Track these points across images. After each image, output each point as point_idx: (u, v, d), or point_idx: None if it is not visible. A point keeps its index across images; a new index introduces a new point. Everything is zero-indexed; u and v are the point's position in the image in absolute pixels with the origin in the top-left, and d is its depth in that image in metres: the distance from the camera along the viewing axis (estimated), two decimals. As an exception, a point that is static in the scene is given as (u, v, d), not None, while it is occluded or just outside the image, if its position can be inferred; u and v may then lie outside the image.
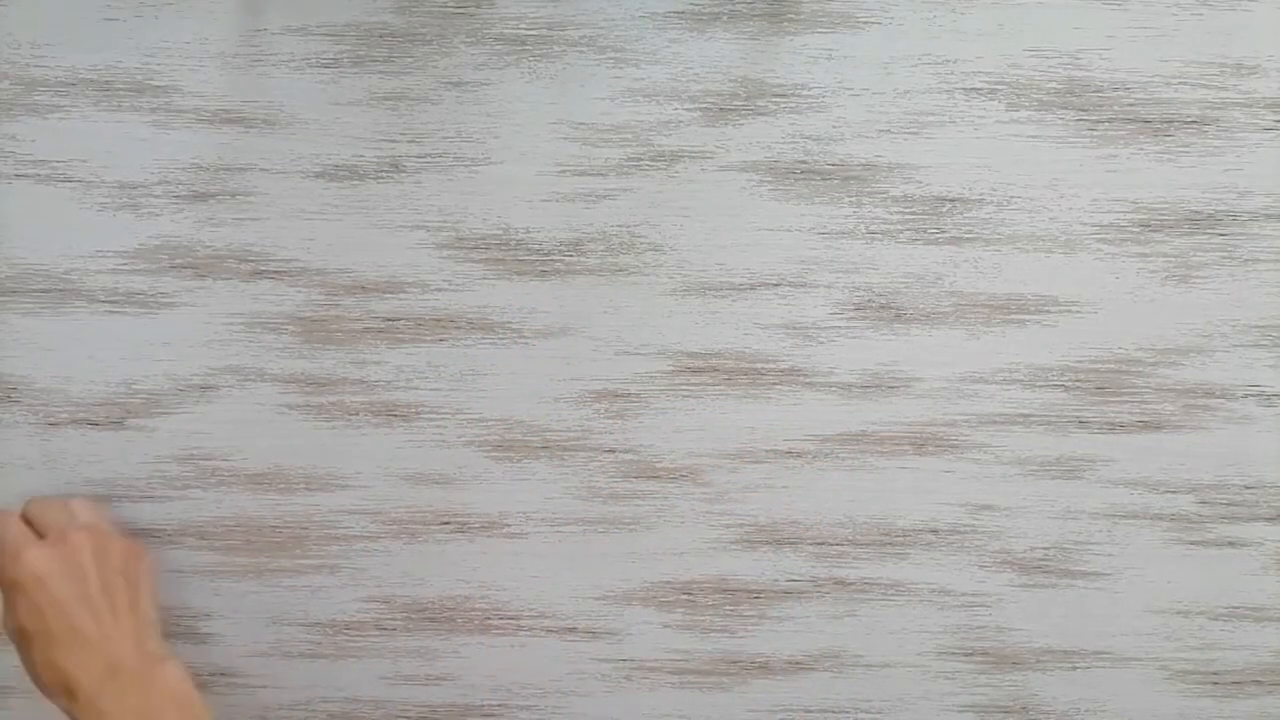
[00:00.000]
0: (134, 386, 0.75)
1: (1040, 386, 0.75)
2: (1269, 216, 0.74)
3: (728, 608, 0.76)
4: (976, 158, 0.74)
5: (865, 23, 0.74)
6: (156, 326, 0.75)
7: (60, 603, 0.62)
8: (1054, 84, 0.74)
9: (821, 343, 0.75)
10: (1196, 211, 0.74)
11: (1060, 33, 0.73)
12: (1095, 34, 0.73)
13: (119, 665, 0.61)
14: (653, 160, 0.74)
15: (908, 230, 0.74)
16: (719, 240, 0.74)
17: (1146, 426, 0.75)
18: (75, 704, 0.60)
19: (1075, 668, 0.77)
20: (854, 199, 0.74)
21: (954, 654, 0.77)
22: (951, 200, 0.74)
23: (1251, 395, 0.75)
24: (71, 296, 0.74)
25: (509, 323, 0.75)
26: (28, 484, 0.75)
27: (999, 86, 0.74)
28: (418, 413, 0.75)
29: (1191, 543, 0.76)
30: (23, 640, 0.62)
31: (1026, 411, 0.75)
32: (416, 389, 0.75)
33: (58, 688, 0.61)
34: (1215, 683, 0.77)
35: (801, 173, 0.74)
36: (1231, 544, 0.76)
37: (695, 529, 0.75)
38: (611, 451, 0.75)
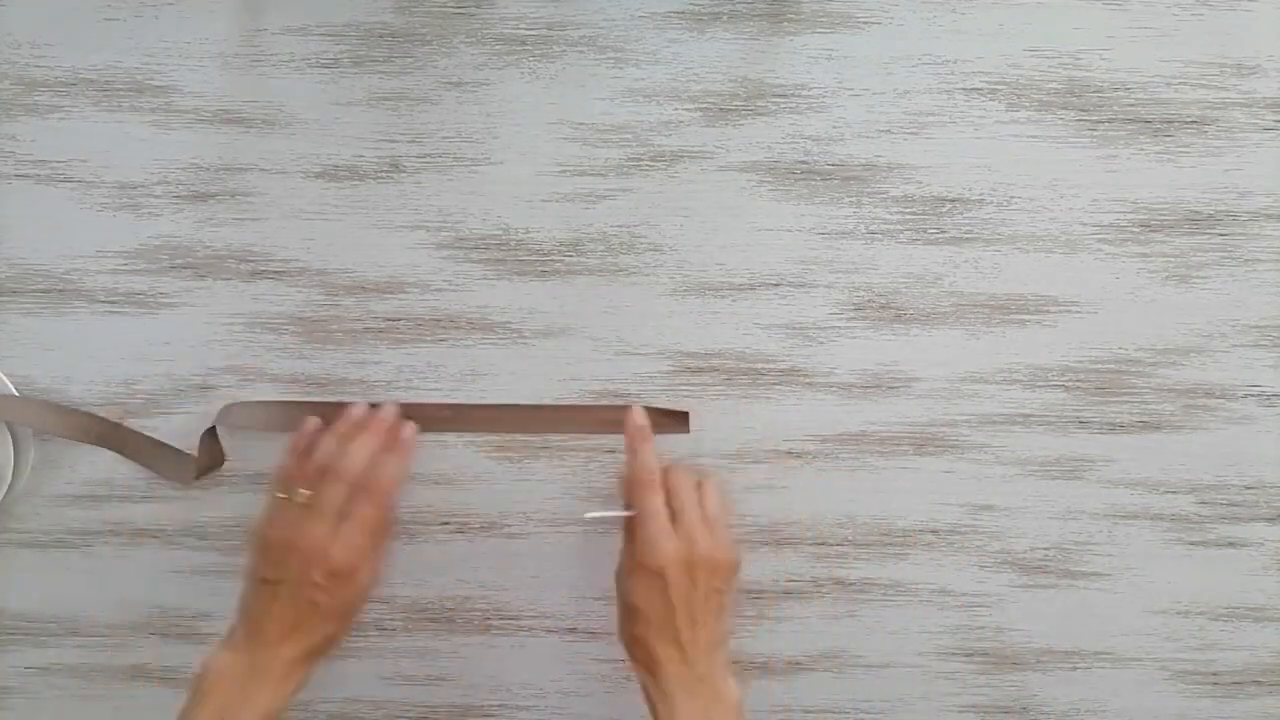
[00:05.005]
0: (134, 386, 0.75)
1: (1040, 386, 0.75)
2: (1269, 216, 0.74)
3: (728, 608, 0.76)
4: (976, 158, 0.74)
5: (865, 23, 0.74)
6: (156, 326, 0.75)
7: (672, 599, 0.66)
8: (1054, 84, 0.74)
9: (821, 343, 0.75)
10: (1196, 211, 0.74)
11: (1060, 33, 0.73)
12: (1095, 34, 0.73)
13: (694, 665, 0.66)
14: (653, 160, 0.74)
15: (908, 230, 0.74)
16: (719, 240, 0.74)
17: (1146, 426, 0.75)
18: (653, 681, 0.65)
19: (1075, 668, 0.77)
20: (854, 199, 0.74)
21: (954, 654, 0.77)
22: (951, 200, 0.74)
23: (1251, 395, 0.75)
24: (71, 296, 0.74)
25: (509, 323, 0.75)
26: (28, 484, 0.75)
27: (999, 86, 0.74)
28: (418, 413, 0.75)
29: (1191, 543, 0.76)
30: (629, 612, 0.67)
31: (1026, 411, 0.75)
32: (416, 389, 0.75)
33: (642, 661, 0.66)
34: (1215, 683, 0.77)
35: (801, 173, 0.74)
36: (1231, 544, 0.76)
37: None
38: (611, 451, 0.75)
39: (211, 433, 0.74)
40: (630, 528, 0.68)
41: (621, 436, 0.72)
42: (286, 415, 0.74)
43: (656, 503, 0.67)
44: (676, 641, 0.65)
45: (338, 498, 0.67)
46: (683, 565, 0.66)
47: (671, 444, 0.75)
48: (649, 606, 0.65)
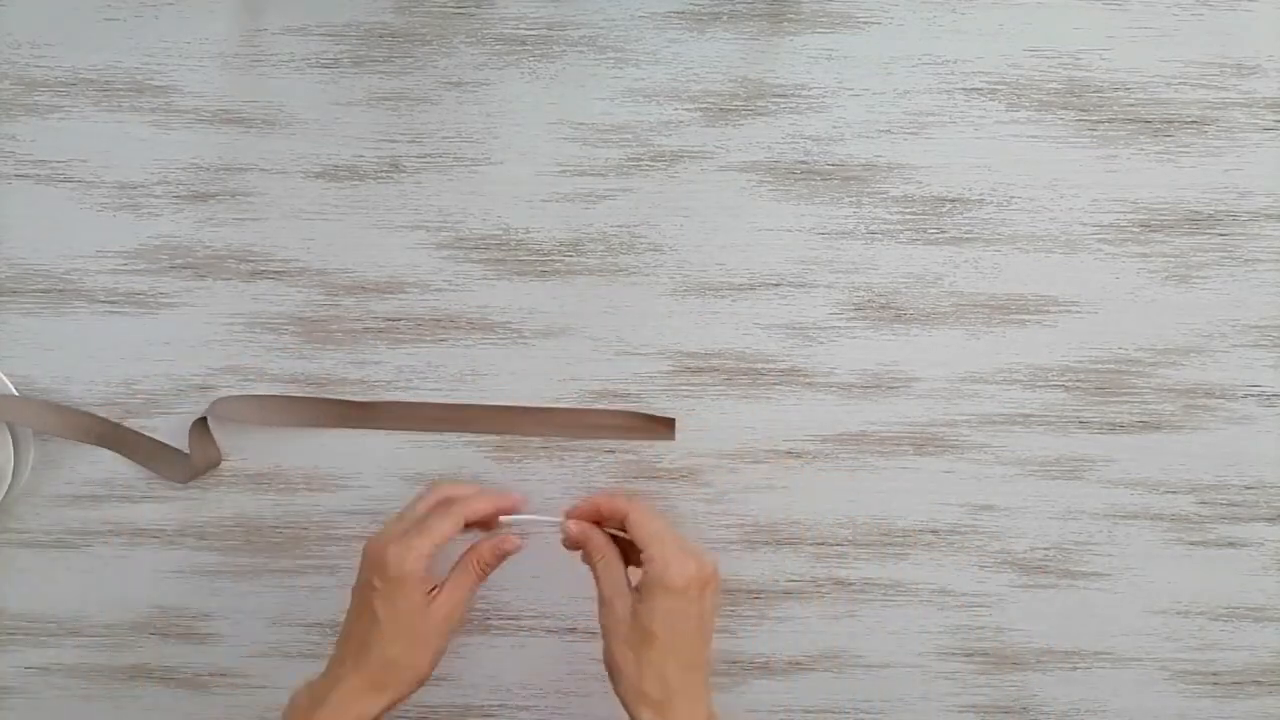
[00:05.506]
0: (134, 386, 0.75)
1: (1040, 386, 0.75)
2: (1269, 216, 0.74)
3: (728, 608, 0.76)
4: (976, 158, 0.74)
5: (865, 23, 0.74)
6: (156, 326, 0.75)
7: (692, 617, 0.63)
8: (1054, 84, 0.74)
9: (821, 343, 0.75)
10: (1196, 211, 0.74)
11: (1060, 33, 0.73)
12: (1095, 34, 0.73)
13: (701, 702, 0.64)
14: (653, 160, 0.74)
15: (908, 230, 0.74)
16: (719, 240, 0.74)
17: (1146, 426, 0.75)
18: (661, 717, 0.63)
19: (1075, 668, 0.77)
20: (854, 199, 0.74)
21: (954, 654, 0.77)
22: (951, 200, 0.74)
23: (1251, 395, 0.75)
24: (71, 296, 0.74)
25: (509, 323, 0.75)
26: (28, 484, 0.75)
27: (999, 86, 0.74)
28: (418, 413, 0.75)
29: (1191, 543, 0.76)
30: (645, 640, 0.63)
31: (1026, 411, 0.75)
32: (416, 389, 0.75)
33: (653, 698, 0.63)
34: (1215, 683, 0.77)
35: (801, 173, 0.74)
36: (1231, 544, 0.76)
37: (695, 529, 0.75)
38: (611, 452, 0.75)
39: (203, 424, 0.74)
40: (613, 560, 0.65)
41: (621, 438, 0.74)
42: (278, 409, 0.74)
43: (659, 524, 0.65)
44: (695, 665, 0.63)
45: (422, 509, 0.66)
46: (699, 582, 0.63)
47: (671, 445, 0.75)
48: (669, 630, 0.63)
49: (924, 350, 0.75)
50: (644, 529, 0.64)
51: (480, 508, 0.66)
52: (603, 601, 0.65)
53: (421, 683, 0.64)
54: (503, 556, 0.66)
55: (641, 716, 0.63)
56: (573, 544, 0.67)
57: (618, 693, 0.64)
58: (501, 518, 0.67)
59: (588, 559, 0.66)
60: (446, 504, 0.66)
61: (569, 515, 0.67)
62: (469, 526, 0.66)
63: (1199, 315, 0.75)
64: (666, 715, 0.63)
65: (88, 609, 0.76)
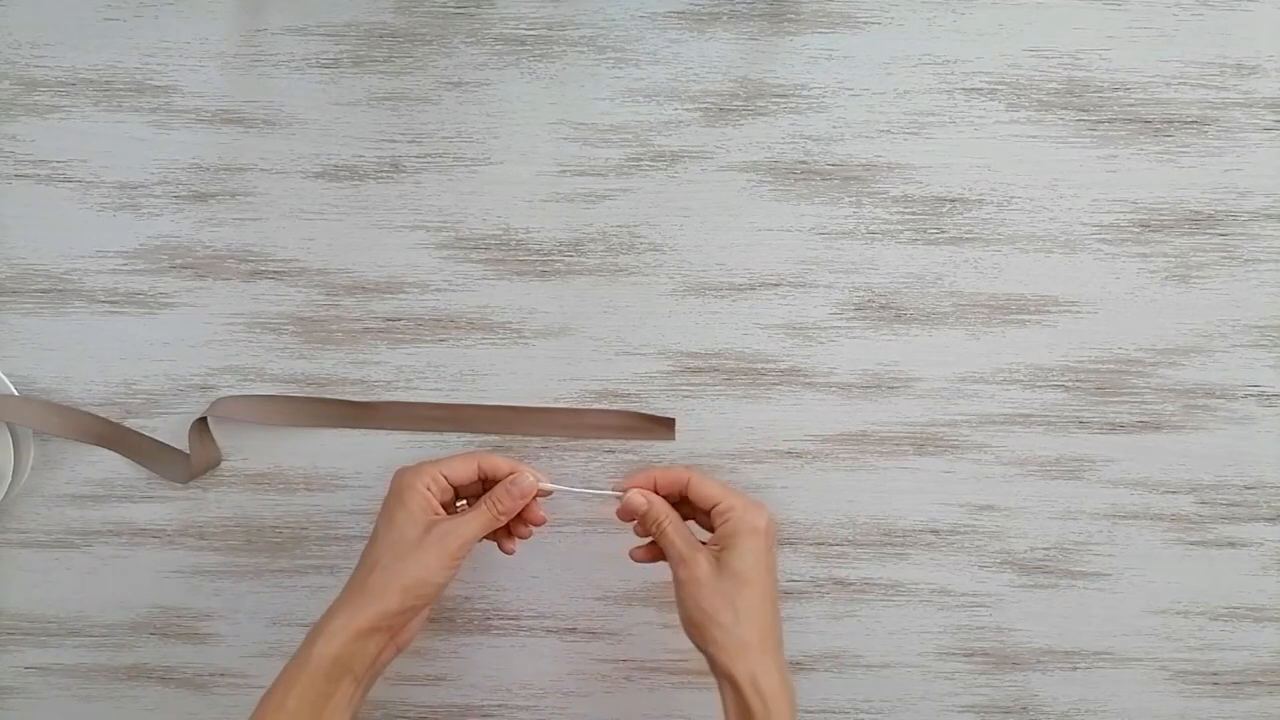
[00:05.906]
0: (134, 386, 0.75)
1: (1040, 386, 0.75)
2: (1269, 216, 0.74)
3: (728, 608, 0.76)
4: (976, 158, 0.74)
5: (865, 23, 0.74)
6: (156, 326, 0.75)
7: (769, 562, 0.66)
8: (1054, 84, 0.74)
9: (821, 343, 0.75)
10: (1196, 211, 0.74)
11: (1060, 33, 0.73)
12: (1095, 34, 0.73)
13: (781, 651, 0.66)
14: (653, 160, 0.74)
15: (908, 230, 0.74)
16: (719, 240, 0.74)
17: (1146, 426, 0.75)
18: (776, 667, 0.65)
19: (1075, 668, 0.77)
20: (854, 199, 0.74)
21: (954, 654, 0.77)
22: (951, 200, 0.74)
23: (1251, 395, 0.75)
24: (71, 296, 0.74)
25: (509, 323, 0.75)
26: (28, 484, 0.75)
27: (999, 86, 0.74)
28: (418, 413, 0.75)
29: (1191, 543, 0.76)
30: (739, 584, 0.65)
31: (1026, 411, 0.75)
32: (416, 389, 0.75)
33: (752, 643, 0.64)
34: (1215, 683, 0.77)
35: (801, 173, 0.74)
36: (1231, 544, 0.76)
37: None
38: (611, 452, 0.75)
39: (202, 424, 0.74)
40: (679, 521, 0.68)
41: (621, 438, 0.74)
42: (278, 409, 0.74)
43: (721, 483, 0.68)
44: (776, 614, 0.66)
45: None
46: (772, 527, 0.67)
47: (670, 446, 0.75)
48: (759, 571, 0.65)
49: (924, 350, 0.75)
50: (711, 487, 0.68)
51: (499, 462, 0.68)
52: (681, 560, 0.66)
53: (405, 596, 0.63)
54: (521, 497, 0.67)
55: (739, 665, 0.63)
56: (632, 513, 0.68)
57: (711, 648, 0.64)
58: (543, 485, 0.68)
59: (653, 525, 0.67)
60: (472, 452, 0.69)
61: (623, 486, 0.69)
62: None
63: (1199, 315, 0.75)
64: (764, 660, 0.64)
65: (88, 609, 0.76)
